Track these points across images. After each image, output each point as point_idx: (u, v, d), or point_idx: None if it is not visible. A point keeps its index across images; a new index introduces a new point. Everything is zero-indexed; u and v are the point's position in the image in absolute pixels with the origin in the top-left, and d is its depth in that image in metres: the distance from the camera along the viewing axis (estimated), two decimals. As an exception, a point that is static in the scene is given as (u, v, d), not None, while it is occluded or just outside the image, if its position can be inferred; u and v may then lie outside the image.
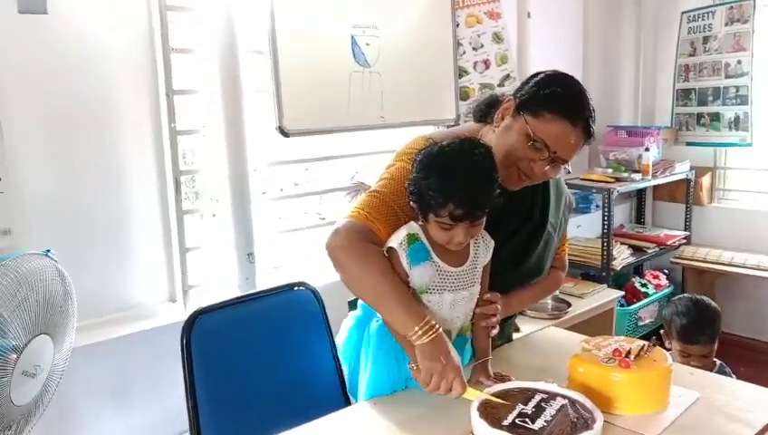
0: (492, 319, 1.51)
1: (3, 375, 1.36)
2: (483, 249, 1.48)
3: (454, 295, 1.43)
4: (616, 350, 1.39)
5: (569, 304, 2.99)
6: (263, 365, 1.74)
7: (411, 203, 1.39)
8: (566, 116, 1.40)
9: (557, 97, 1.41)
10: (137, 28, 2.07)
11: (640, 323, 3.61)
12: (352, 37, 2.51)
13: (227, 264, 2.30)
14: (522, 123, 1.42)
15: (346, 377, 1.67)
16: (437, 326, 1.34)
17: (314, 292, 1.91)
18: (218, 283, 2.30)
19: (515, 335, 1.90)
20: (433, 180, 1.32)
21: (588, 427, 1.16)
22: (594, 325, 2.96)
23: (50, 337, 1.51)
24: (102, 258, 2.06)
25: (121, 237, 2.10)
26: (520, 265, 1.61)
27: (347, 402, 1.79)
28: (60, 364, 1.59)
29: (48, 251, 1.54)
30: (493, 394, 1.28)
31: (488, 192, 1.33)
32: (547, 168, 1.44)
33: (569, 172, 1.55)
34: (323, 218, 2.70)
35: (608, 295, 3.21)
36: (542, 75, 1.47)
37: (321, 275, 2.12)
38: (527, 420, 1.18)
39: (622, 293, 3.41)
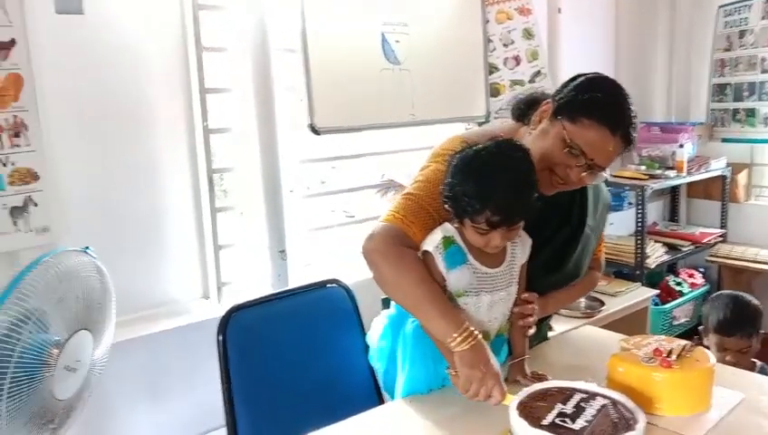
0: (529, 319, 1.49)
1: (47, 370, 1.38)
2: (520, 249, 1.46)
3: (491, 296, 1.41)
4: (656, 349, 1.36)
5: (602, 303, 2.95)
6: (297, 362, 1.75)
7: (446, 207, 1.36)
8: (605, 123, 1.35)
9: (597, 103, 1.36)
10: (170, 28, 2.09)
11: (675, 323, 3.55)
12: (382, 35, 2.50)
13: (260, 261, 2.31)
14: (559, 128, 1.38)
15: (379, 376, 1.66)
16: (476, 333, 1.32)
17: (347, 289, 1.91)
18: (251, 280, 2.31)
19: (549, 334, 1.88)
20: (469, 186, 1.30)
21: (630, 427, 1.14)
22: (628, 324, 2.91)
23: (90, 332, 1.53)
24: (137, 255, 2.08)
25: (156, 235, 2.12)
26: (557, 271, 1.59)
27: (380, 400, 1.80)
28: (99, 360, 1.61)
29: (87, 248, 1.56)
30: (531, 394, 1.27)
31: (526, 198, 1.31)
32: (584, 174, 1.40)
33: (606, 180, 1.51)
34: (351, 216, 2.69)
35: (642, 294, 3.16)
36: (582, 79, 1.42)
37: (352, 272, 2.12)
38: (567, 419, 1.16)
39: (657, 291, 3.35)
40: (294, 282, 2.28)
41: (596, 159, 1.37)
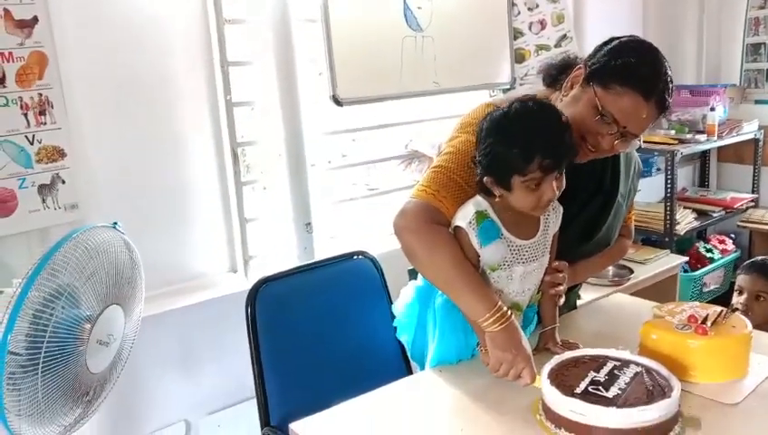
0: (559, 287, 1.47)
1: (80, 344, 1.41)
2: (553, 217, 1.44)
3: (524, 268, 1.39)
4: (691, 316, 1.34)
5: (631, 271, 2.91)
6: (325, 333, 1.76)
7: (486, 178, 1.32)
8: (638, 89, 1.30)
9: (629, 68, 1.32)
10: (190, 1, 2.06)
11: (705, 290, 3.50)
12: (404, 1, 2.45)
13: (285, 234, 2.32)
14: (590, 95, 1.34)
15: (407, 345, 1.65)
16: (509, 314, 1.31)
17: (374, 260, 1.91)
18: (277, 253, 2.32)
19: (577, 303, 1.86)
20: (512, 139, 1.27)
21: (665, 395, 1.13)
22: (657, 292, 2.87)
23: (120, 307, 1.54)
24: (164, 230, 2.09)
25: (182, 209, 2.13)
26: (589, 239, 1.56)
27: (408, 371, 1.80)
28: (130, 333, 1.64)
29: (115, 223, 1.57)
30: (562, 362, 1.26)
31: (569, 137, 1.28)
32: (616, 142, 1.36)
33: (640, 147, 1.47)
34: (372, 189, 2.67)
35: (671, 261, 3.10)
36: (615, 43, 1.37)
37: (378, 243, 2.12)
38: (600, 387, 1.16)
39: (686, 258, 3.29)
40: (320, 254, 2.28)
41: (629, 127, 1.33)
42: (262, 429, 1.66)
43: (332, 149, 2.58)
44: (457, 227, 1.35)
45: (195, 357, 2.17)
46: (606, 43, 1.38)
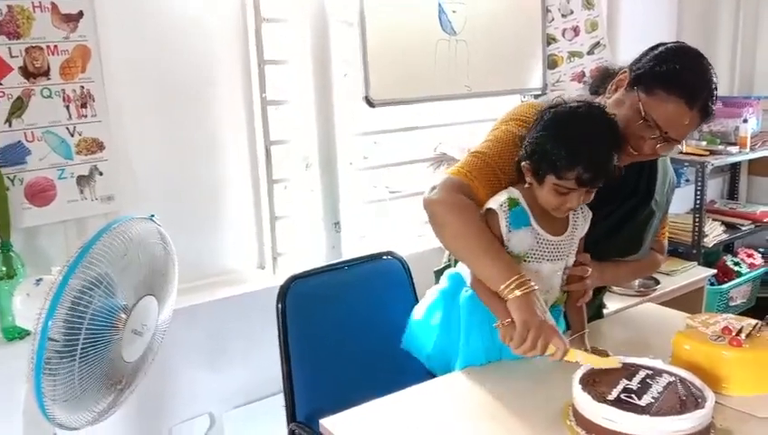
0: (587, 281, 1.47)
1: (115, 333, 1.43)
2: (581, 220, 1.45)
3: (552, 265, 1.40)
4: (725, 328, 1.33)
5: (657, 282, 2.89)
6: (353, 331, 1.78)
7: (524, 163, 1.35)
8: (682, 96, 1.31)
9: (674, 75, 1.33)
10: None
11: (732, 304, 3.45)
12: (439, 4, 2.46)
13: (314, 233, 2.33)
14: (634, 99, 1.35)
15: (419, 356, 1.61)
16: (533, 285, 1.29)
17: (402, 261, 1.92)
18: (305, 251, 2.34)
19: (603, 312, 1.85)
20: (564, 142, 1.29)
21: (698, 405, 1.12)
22: (683, 304, 2.82)
23: (155, 298, 1.57)
24: (196, 225, 2.12)
25: (215, 205, 2.16)
26: (618, 234, 1.56)
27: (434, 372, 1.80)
28: (162, 324, 1.66)
29: (152, 216, 1.59)
30: (593, 368, 1.25)
31: (615, 161, 1.30)
32: (658, 146, 1.37)
33: (681, 151, 1.49)
34: (394, 192, 2.67)
35: (698, 273, 3.08)
36: (661, 48, 1.38)
37: (406, 245, 2.13)
38: (633, 395, 1.15)
39: (714, 271, 3.26)
40: (348, 254, 2.30)
41: (671, 133, 1.34)
42: (288, 424, 1.67)
43: (359, 150, 2.59)
44: (489, 210, 1.38)
45: (221, 351, 2.20)
46: (652, 49, 1.40)
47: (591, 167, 1.27)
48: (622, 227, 1.56)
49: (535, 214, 1.38)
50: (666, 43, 1.40)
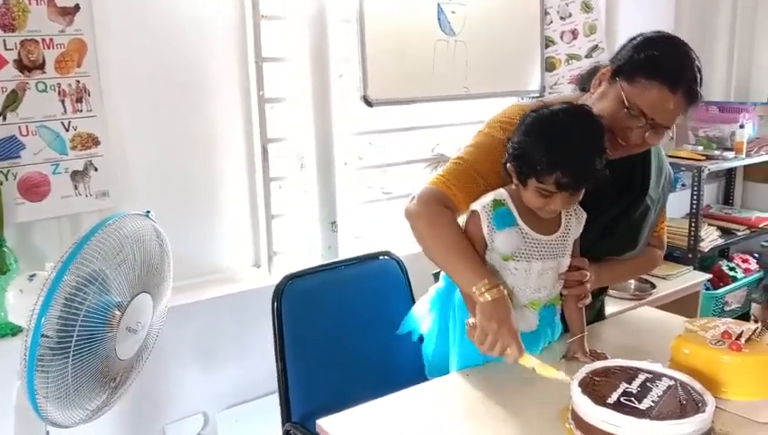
0: (586, 285, 1.46)
1: (109, 330, 1.41)
2: (575, 222, 1.44)
3: (542, 264, 1.40)
4: (725, 332, 1.32)
5: (653, 286, 2.89)
6: (349, 331, 1.76)
7: (508, 165, 1.35)
8: (663, 81, 1.32)
9: (653, 61, 1.33)
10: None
11: (727, 308, 3.46)
12: (438, 5, 2.45)
13: (310, 232, 2.32)
14: (617, 90, 1.36)
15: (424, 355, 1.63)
16: (502, 288, 1.32)
17: (399, 261, 1.91)
18: (301, 250, 2.32)
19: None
20: (543, 146, 1.28)
21: (698, 410, 1.11)
22: (678, 308, 2.82)
23: (150, 295, 1.55)
24: (192, 222, 2.10)
25: (211, 202, 2.14)
26: (612, 233, 1.55)
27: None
28: (157, 322, 1.64)
29: (148, 212, 1.58)
30: (592, 371, 1.24)
31: (598, 165, 1.29)
32: (647, 134, 1.38)
33: (672, 138, 1.48)
34: (387, 193, 2.66)
35: (694, 278, 3.08)
36: (639, 38, 1.40)
37: (402, 245, 2.11)
38: (633, 399, 1.14)
39: (709, 276, 3.26)
40: (344, 254, 2.28)
41: (657, 119, 1.35)
42: (283, 424, 1.66)
43: (355, 150, 2.58)
44: (473, 211, 1.40)
45: (215, 350, 2.18)
46: (631, 40, 1.41)
47: (571, 172, 1.27)
48: (617, 225, 1.55)
49: (523, 213, 1.38)
50: (643, 33, 1.40)
